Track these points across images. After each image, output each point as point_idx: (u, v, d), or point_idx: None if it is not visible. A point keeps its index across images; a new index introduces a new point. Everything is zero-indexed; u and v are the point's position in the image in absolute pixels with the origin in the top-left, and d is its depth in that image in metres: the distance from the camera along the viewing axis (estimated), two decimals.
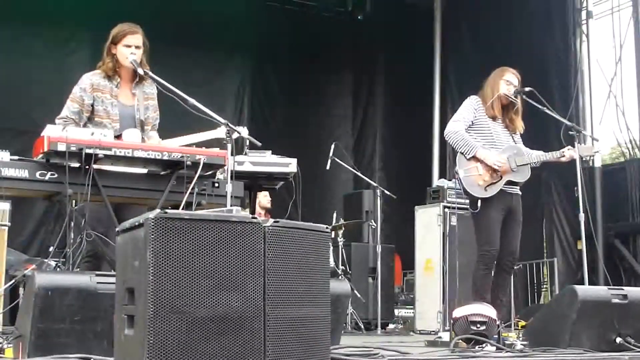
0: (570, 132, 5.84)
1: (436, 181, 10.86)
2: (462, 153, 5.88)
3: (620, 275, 10.68)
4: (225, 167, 4.76)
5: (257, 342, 2.78)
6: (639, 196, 10.75)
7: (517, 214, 5.93)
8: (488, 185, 5.78)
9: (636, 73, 11.04)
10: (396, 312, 10.06)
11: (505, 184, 5.80)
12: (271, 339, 2.81)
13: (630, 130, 11.13)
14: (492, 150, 5.86)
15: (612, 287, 5.24)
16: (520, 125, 6.06)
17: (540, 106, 5.88)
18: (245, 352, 2.75)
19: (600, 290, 5.16)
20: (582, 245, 5.84)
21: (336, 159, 8.98)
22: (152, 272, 2.66)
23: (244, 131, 5.09)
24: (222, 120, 4.61)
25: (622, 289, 5.15)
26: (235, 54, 12.19)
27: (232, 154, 4.62)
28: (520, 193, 5.98)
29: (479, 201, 5.79)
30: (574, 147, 5.82)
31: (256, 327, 2.79)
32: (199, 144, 5.19)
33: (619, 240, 10.94)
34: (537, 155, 5.93)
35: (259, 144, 4.97)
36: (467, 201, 6.08)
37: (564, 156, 5.88)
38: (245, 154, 5.85)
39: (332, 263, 8.34)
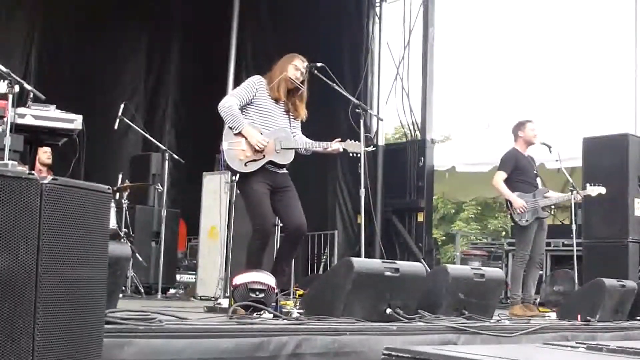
0: (357, 110, 6.02)
1: None
2: (231, 127, 5.87)
3: (395, 250, 11.27)
4: (5, 119, 4.51)
5: (27, 304, 2.65)
6: (416, 176, 11.37)
7: (286, 187, 5.94)
8: (249, 162, 5.80)
9: (422, 58, 11.63)
10: (178, 277, 10.02)
11: (268, 164, 5.85)
12: (42, 301, 2.68)
13: (414, 112, 11.73)
14: (264, 130, 5.89)
15: (385, 260, 5.50)
16: (303, 112, 6.06)
17: (330, 82, 6.01)
18: (14, 315, 2.61)
19: (375, 263, 5.41)
20: (362, 219, 6.06)
21: (125, 119, 8.74)
22: None
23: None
24: (4, 69, 4.36)
25: (395, 263, 5.42)
26: (25, 2, 11.49)
27: (12, 106, 4.39)
28: (285, 172, 5.99)
29: (238, 175, 5.87)
30: (351, 137, 5.95)
31: (27, 288, 2.65)
32: None
33: (396, 216, 11.52)
34: (304, 142, 5.98)
35: (43, 97, 4.74)
36: None
37: (330, 147, 6.02)
38: (28, 107, 5.55)
39: (114, 225, 8.14)
